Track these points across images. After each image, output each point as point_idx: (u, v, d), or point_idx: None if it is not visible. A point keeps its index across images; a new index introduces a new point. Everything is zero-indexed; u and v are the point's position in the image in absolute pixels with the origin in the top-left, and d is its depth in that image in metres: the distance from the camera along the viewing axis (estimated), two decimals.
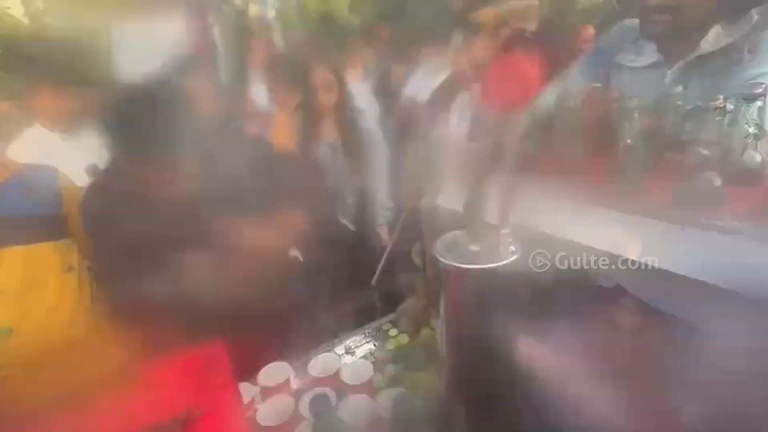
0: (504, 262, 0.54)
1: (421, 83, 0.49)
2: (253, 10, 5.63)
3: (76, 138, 1.76)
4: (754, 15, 0.80)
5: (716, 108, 0.58)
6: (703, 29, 0.85)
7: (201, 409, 0.47)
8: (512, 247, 0.55)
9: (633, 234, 0.67)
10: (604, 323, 0.93)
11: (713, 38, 0.84)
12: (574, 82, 1.11)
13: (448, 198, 0.66)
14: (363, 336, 1.25)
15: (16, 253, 1.01)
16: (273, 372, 0.98)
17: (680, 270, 0.60)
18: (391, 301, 1.35)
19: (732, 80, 0.82)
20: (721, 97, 0.59)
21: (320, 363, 1.03)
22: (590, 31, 2.77)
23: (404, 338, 1.20)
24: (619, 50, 1.02)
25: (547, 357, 0.81)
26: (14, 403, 1.02)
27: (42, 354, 1.04)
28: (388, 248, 0.69)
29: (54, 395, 1.05)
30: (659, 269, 0.65)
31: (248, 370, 0.98)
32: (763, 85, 0.63)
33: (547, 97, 0.89)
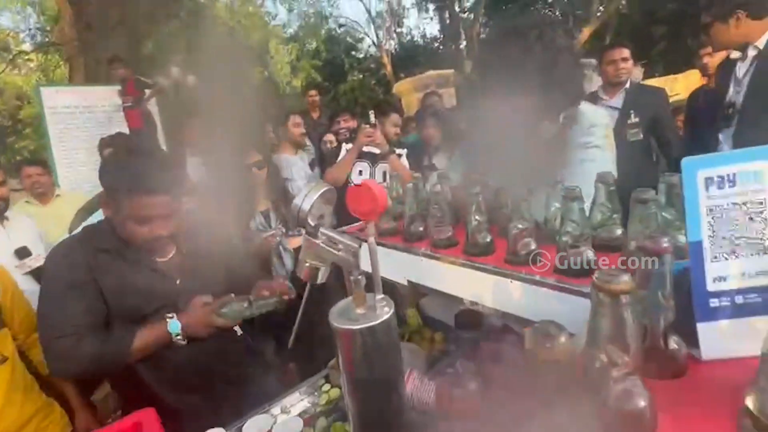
0: (381, 320, 0.72)
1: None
2: (190, 81, 5.84)
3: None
4: (561, 118, 1.12)
5: (526, 192, 0.84)
6: (537, 125, 1.16)
7: None
8: (386, 307, 0.73)
9: (485, 286, 0.89)
10: (494, 355, 1.13)
11: (544, 131, 1.15)
12: (456, 166, 1.39)
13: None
14: (298, 394, 1.34)
15: None
16: None
17: (510, 310, 0.82)
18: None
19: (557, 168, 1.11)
20: (529, 187, 0.85)
21: (254, 424, 1.11)
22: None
23: (336, 392, 1.31)
24: None
25: (446, 389, 0.98)
26: None
27: None
28: (299, 314, 0.83)
29: None
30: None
31: None
32: (559, 175, 0.90)
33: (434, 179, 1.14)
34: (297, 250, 2.17)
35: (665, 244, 0.45)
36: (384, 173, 2.52)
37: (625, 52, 2.53)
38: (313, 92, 3.80)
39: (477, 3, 13.07)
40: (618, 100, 2.56)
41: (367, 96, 13.81)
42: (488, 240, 0.94)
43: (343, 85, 13.99)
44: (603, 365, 0.40)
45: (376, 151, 2.49)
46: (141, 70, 5.33)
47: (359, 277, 0.73)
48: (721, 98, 1.96)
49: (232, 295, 1.22)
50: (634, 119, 2.46)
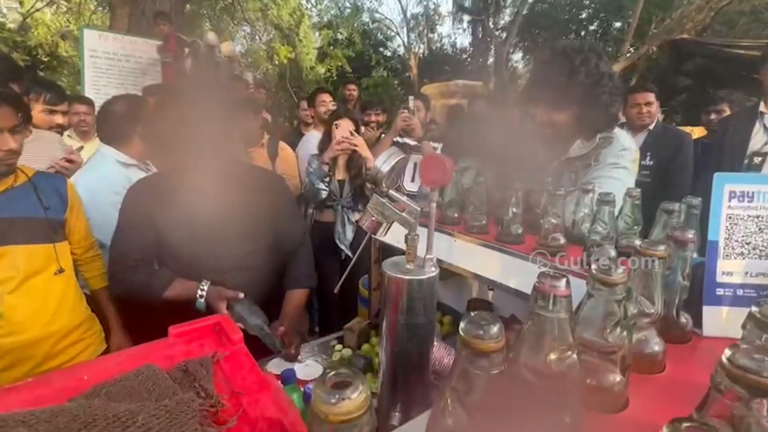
0: (427, 276, 0.83)
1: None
2: (226, 48, 5.96)
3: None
4: (597, 138, 1.25)
5: (559, 195, 0.96)
6: (569, 142, 1.28)
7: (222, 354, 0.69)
8: (433, 268, 0.85)
9: (514, 270, 1.00)
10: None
11: (576, 148, 1.28)
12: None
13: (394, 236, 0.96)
14: (312, 349, 1.46)
15: (20, 250, 1.14)
16: None
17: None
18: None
19: (585, 178, 1.24)
20: (563, 189, 0.97)
21: (278, 364, 1.23)
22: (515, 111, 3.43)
23: (347, 352, 1.43)
24: None
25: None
26: None
27: (19, 347, 1.14)
28: (351, 263, 0.95)
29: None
30: None
31: None
32: (592, 184, 1.02)
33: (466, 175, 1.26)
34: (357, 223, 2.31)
35: (690, 235, 0.57)
36: (415, 164, 2.64)
37: (650, 97, 2.60)
38: (351, 86, 3.92)
39: (512, 23, 13.22)
40: (638, 140, 2.65)
41: (389, 95, 13.92)
42: (520, 231, 1.06)
43: (367, 80, 14.08)
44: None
45: (411, 142, 2.62)
46: (181, 28, 5.42)
47: (416, 236, 0.85)
48: (736, 147, 2.10)
49: (244, 298, 1.25)
50: (648, 162, 2.50)
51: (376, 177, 0.81)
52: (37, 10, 10.83)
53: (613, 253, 0.89)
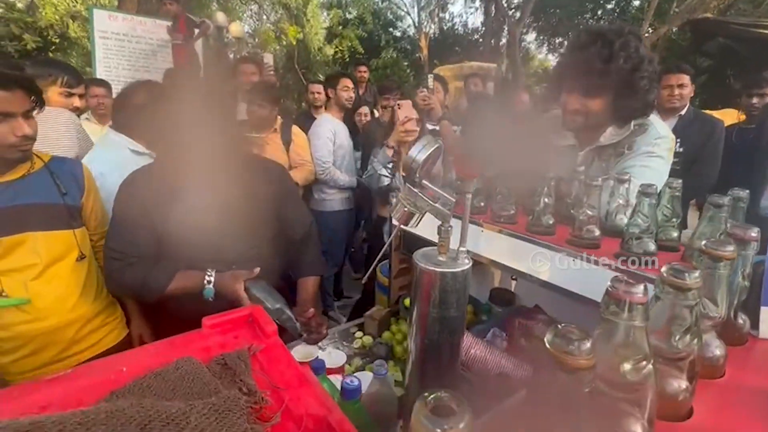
0: (461, 269, 0.81)
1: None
2: (234, 28, 5.88)
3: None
4: (632, 125, 1.20)
5: (595, 186, 0.92)
6: (600, 129, 1.24)
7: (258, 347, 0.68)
8: (466, 260, 0.83)
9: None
10: (525, 330, 1.23)
11: (608, 135, 1.23)
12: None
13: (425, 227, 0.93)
14: (332, 337, 1.46)
15: (40, 237, 1.13)
16: None
17: (572, 288, 0.92)
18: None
19: (617, 167, 1.20)
20: (599, 178, 0.93)
21: (302, 350, 1.23)
22: (526, 96, 3.34)
23: (368, 339, 1.43)
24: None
25: (480, 350, 1.09)
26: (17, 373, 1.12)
27: (45, 333, 1.15)
28: (380, 254, 0.93)
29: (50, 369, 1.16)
30: (562, 289, 0.97)
31: None
32: (628, 174, 0.98)
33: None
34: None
35: (753, 234, 0.54)
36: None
37: (684, 79, 2.45)
38: (362, 68, 3.85)
39: (526, 2, 12.80)
40: (669, 125, 2.55)
41: (398, 75, 13.67)
42: (551, 222, 1.03)
43: (376, 61, 13.84)
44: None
45: (430, 126, 2.56)
46: (190, 8, 5.32)
47: (449, 227, 0.83)
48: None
49: (261, 280, 1.22)
50: (677, 149, 2.35)
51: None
52: None
53: (653, 247, 0.87)
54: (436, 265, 0.81)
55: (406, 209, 0.83)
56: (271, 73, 3.27)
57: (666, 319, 0.41)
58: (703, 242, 0.48)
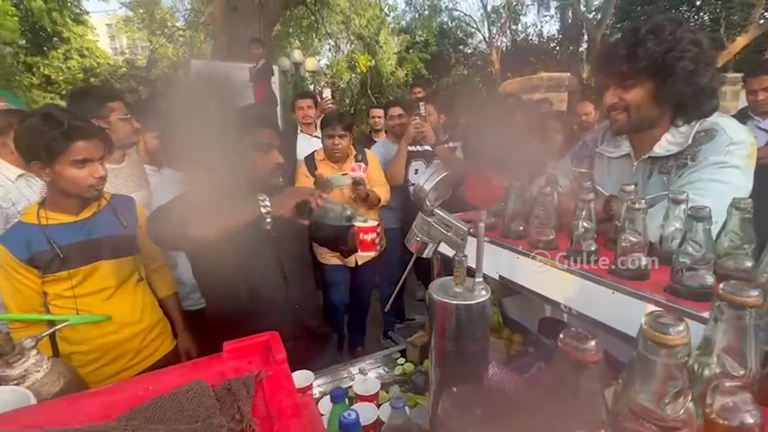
0: (477, 301, 0.77)
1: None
2: (309, 63, 6.33)
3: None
4: (693, 132, 1.04)
5: (639, 209, 0.82)
6: (653, 131, 1.09)
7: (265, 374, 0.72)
8: (483, 291, 0.79)
9: (586, 294, 0.89)
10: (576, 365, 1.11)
11: (664, 144, 1.08)
12: (565, 166, 1.36)
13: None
14: (375, 360, 1.46)
15: (110, 264, 1.34)
16: (298, 377, 1.21)
17: (615, 324, 0.82)
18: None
19: (678, 181, 1.04)
20: (643, 201, 0.82)
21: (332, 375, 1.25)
22: (590, 107, 3.13)
23: (410, 366, 1.41)
24: (600, 142, 1.28)
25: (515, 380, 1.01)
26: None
27: (118, 344, 1.34)
28: (399, 283, 0.92)
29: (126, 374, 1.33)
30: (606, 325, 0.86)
31: None
32: (685, 193, 0.85)
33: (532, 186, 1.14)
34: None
35: None
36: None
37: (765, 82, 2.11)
38: (417, 89, 3.89)
39: (608, 1, 11.93)
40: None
41: (468, 93, 13.56)
42: (593, 249, 0.93)
43: (447, 79, 13.91)
44: (713, 375, 0.41)
45: (429, 148, 2.53)
46: (270, 50, 5.91)
47: (463, 257, 0.80)
48: None
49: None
50: None
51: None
52: (161, 45, 12.77)
53: (711, 279, 0.74)
54: (450, 297, 0.78)
55: (418, 239, 0.82)
56: (330, 105, 3.46)
57: (652, 379, 0.35)
58: (722, 286, 0.40)
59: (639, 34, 1.00)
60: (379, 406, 1.11)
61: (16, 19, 8.98)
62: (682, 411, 0.34)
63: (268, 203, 1.06)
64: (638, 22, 1.06)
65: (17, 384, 0.88)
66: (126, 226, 1.41)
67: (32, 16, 10.64)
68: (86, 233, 1.30)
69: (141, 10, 12.64)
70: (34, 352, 0.94)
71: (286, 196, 1.12)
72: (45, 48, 12.20)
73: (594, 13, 13.48)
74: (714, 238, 0.78)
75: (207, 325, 1.42)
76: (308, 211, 1.10)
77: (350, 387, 1.21)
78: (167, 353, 1.50)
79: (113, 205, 1.41)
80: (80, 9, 12.72)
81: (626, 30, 1.06)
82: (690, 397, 0.32)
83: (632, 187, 0.98)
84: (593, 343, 0.32)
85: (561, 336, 0.34)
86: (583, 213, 0.93)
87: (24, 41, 11.16)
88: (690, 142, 1.03)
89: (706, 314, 0.68)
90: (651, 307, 0.76)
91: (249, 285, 1.27)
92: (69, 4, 11.94)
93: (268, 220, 1.05)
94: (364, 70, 11.29)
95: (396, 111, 2.97)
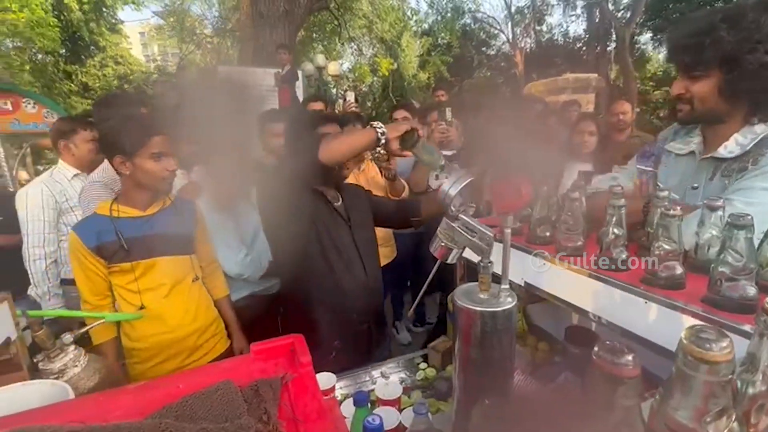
0: (503, 308, 0.76)
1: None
2: (332, 67, 6.41)
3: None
4: (758, 134, 0.97)
5: (673, 216, 0.78)
6: (722, 128, 1.02)
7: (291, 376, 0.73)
8: (509, 299, 0.77)
9: (615, 302, 0.86)
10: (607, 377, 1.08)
11: (730, 145, 1.01)
12: (630, 168, 1.30)
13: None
14: (397, 365, 1.46)
15: (168, 260, 1.39)
16: (321, 379, 1.22)
17: (640, 332, 0.79)
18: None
19: (732, 186, 0.98)
20: (678, 207, 0.79)
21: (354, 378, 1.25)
22: (627, 106, 3.01)
23: (431, 372, 1.40)
24: (671, 139, 1.21)
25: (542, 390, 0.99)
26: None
27: (173, 342, 1.39)
28: (423, 288, 0.92)
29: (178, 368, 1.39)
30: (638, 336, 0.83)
31: None
32: (721, 200, 0.81)
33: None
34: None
35: None
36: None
37: None
38: (440, 92, 3.87)
39: (637, 1, 11.56)
40: None
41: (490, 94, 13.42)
42: (624, 257, 0.90)
43: (469, 81, 13.80)
44: (758, 393, 0.39)
45: (449, 153, 2.51)
46: (294, 55, 6.02)
47: (489, 263, 0.79)
48: None
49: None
50: None
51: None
52: (190, 52, 13.21)
53: (753, 290, 0.71)
54: (475, 304, 0.78)
55: (443, 244, 0.82)
56: (354, 107, 3.49)
57: (692, 395, 0.34)
58: (767, 299, 0.38)
59: (714, 18, 0.92)
60: (401, 410, 1.11)
61: (57, 29, 9.47)
62: (725, 431, 0.32)
63: (383, 126, 1.20)
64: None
65: (57, 378, 0.93)
66: (185, 226, 1.46)
67: (72, 26, 11.21)
68: (149, 228, 1.36)
69: (172, 19, 13.14)
70: (72, 347, 0.99)
71: (398, 123, 1.25)
72: (83, 56, 12.84)
73: (623, 11, 13.09)
74: (756, 248, 0.74)
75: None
76: (413, 143, 1.19)
77: (372, 390, 1.21)
78: (222, 353, 1.54)
79: (176, 205, 1.48)
80: (115, 18, 13.32)
81: (697, 17, 0.98)
82: (734, 417, 0.30)
83: (666, 193, 0.94)
84: (630, 357, 0.31)
85: (596, 349, 0.33)
86: (614, 219, 0.90)
87: (64, 50, 11.77)
88: (755, 144, 0.96)
89: (746, 327, 0.65)
90: (686, 318, 0.73)
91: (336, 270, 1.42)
92: (105, 14, 12.52)
93: (383, 141, 1.18)
94: (386, 74, 11.34)
95: (400, 114, 2.96)
